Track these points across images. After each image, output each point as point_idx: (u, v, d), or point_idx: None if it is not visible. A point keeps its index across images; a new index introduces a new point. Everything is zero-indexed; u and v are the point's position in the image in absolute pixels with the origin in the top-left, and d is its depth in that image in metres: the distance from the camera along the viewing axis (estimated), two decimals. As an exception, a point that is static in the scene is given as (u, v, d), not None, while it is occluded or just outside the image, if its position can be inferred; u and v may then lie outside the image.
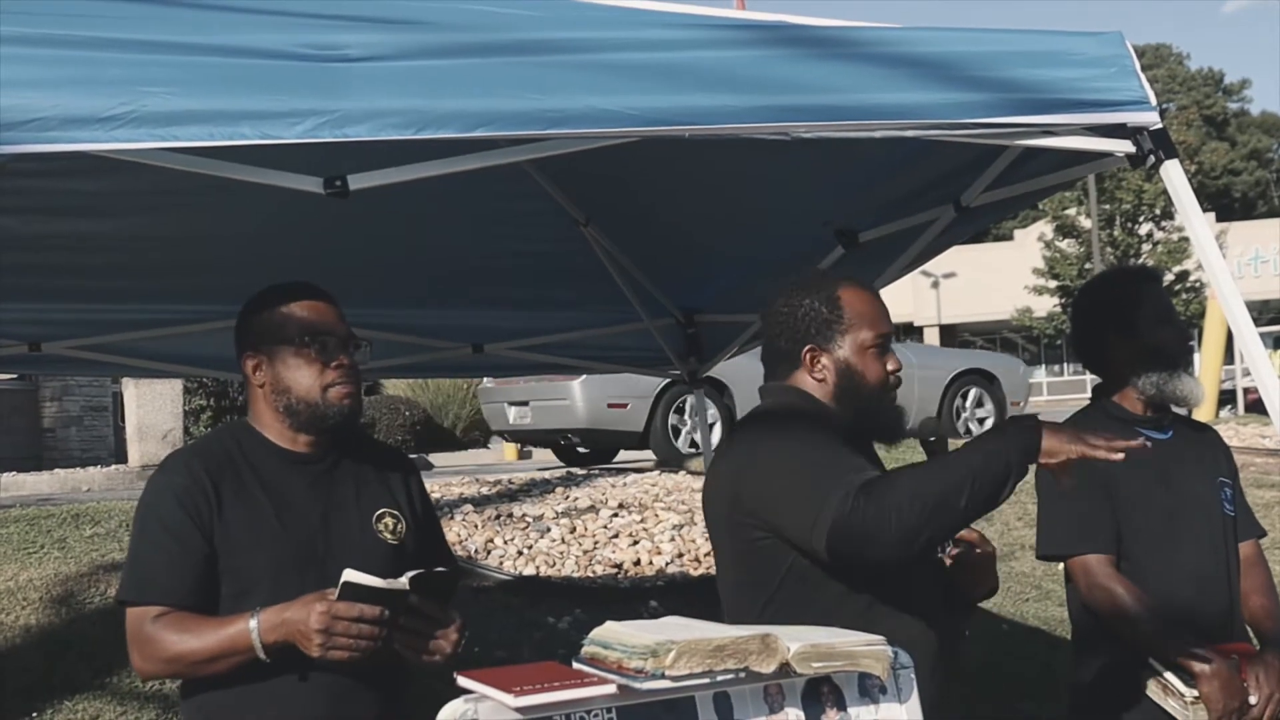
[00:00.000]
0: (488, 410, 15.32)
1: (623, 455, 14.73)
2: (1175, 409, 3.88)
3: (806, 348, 3.08)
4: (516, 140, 2.74)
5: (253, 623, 2.91)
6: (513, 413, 14.49)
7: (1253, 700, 3.48)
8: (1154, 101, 2.89)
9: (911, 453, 12.15)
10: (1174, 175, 2.90)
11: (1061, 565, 3.86)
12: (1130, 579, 3.63)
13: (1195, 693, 3.46)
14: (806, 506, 2.70)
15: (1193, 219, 2.92)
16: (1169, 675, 3.53)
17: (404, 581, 2.90)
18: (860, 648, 2.36)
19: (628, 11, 2.86)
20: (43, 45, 2.40)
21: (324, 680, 2.99)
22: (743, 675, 2.26)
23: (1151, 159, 2.90)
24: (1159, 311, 3.83)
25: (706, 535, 9.72)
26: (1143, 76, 2.91)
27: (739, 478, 2.96)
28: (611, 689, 2.20)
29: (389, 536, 3.20)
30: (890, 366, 3.11)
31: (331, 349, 3.15)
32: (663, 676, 2.19)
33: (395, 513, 3.25)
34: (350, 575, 2.84)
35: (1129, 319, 3.79)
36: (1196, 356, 20.17)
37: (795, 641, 2.29)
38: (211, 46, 2.48)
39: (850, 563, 2.73)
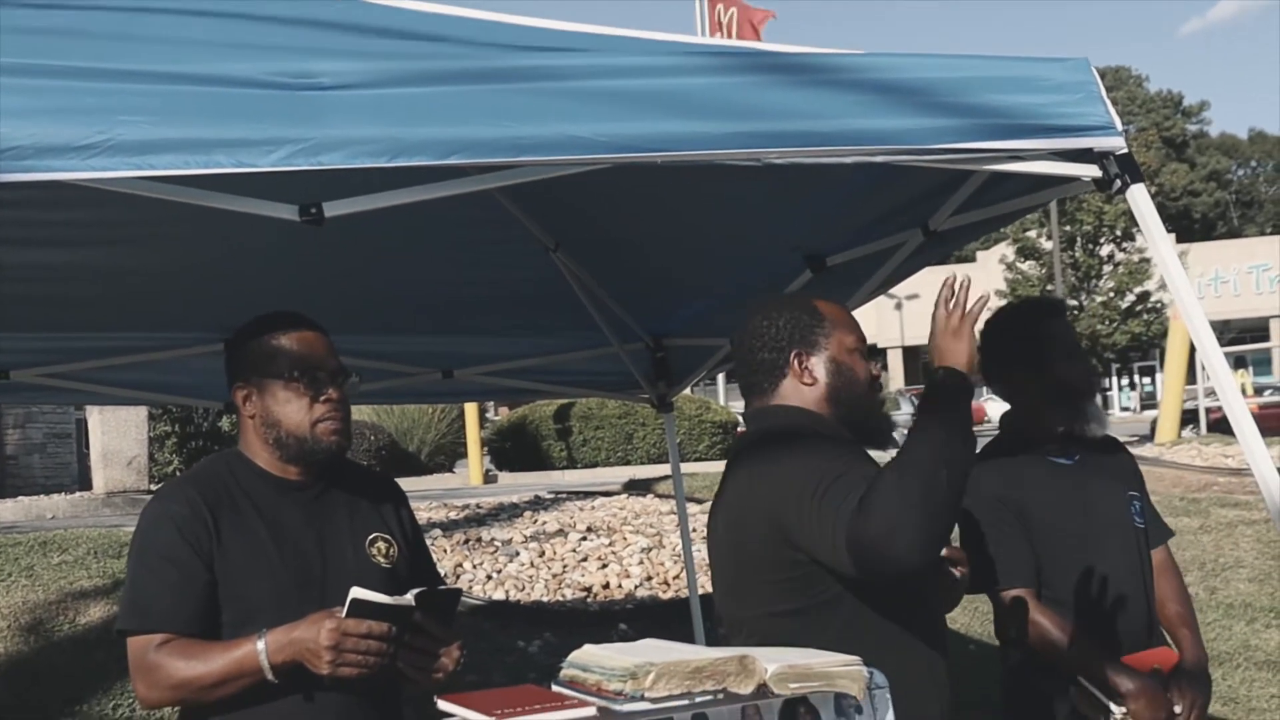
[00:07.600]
0: None
1: (590, 478, 14.69)
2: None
3: (793, 352, 3.09)
4: (489, 167, 2.74)
5: (260, 644, 2.91)
6: None
7: (1178, 710, 3.60)
8: (1120, 127, 2.93)
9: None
10: (1140, 200, 2.94)
11: None
12: (1053, 604, 3.74)
13: (1124, 709, 3.57)
14: (827, 526, 2.68)
15: (1159, 243, 2.96)
16: (1097, 694, 3.62)
17: (410, 598, 2.93)
18: (836, 668, 2.38)
19: (600, 38, 2.88)
20: (17, 75, 2.39)
21: (326, 700, 3.01)
22: (721, 697, 2.28)
23: (1118, 183, 2.93)
24: (1066, 347, 3.92)
25: (675, 558, 9.71)
26: (1109, 102, 2.94)
27: (775, 503, 2.87)
28: (591, 711, 2.21)
29: (382, 560, 3.22)
30: (873, 371, 3.15)
31: (321, 383, 3.16)
32: (642, 698, 2.20)
33: (387, 537, 3.27)
34: (358, 593, 2.86)
35: (1036, 354, 3.86)
36: (1159, 377, 20.31)
37: (772, 663, 2.31)
38: (186, 75, 2.48)
39: (878, 578, 2.69)
